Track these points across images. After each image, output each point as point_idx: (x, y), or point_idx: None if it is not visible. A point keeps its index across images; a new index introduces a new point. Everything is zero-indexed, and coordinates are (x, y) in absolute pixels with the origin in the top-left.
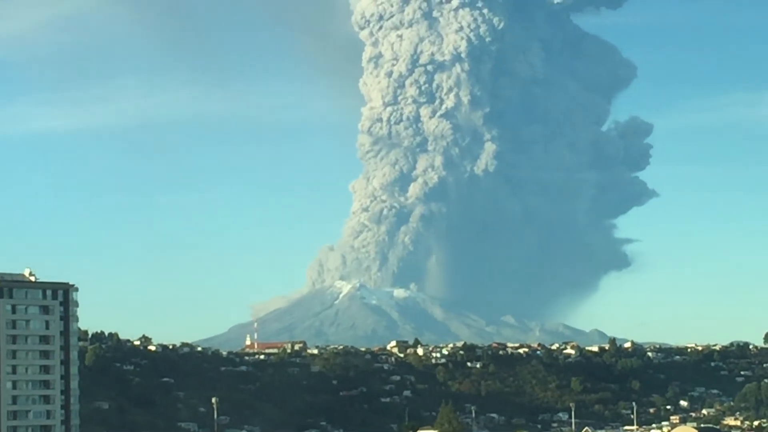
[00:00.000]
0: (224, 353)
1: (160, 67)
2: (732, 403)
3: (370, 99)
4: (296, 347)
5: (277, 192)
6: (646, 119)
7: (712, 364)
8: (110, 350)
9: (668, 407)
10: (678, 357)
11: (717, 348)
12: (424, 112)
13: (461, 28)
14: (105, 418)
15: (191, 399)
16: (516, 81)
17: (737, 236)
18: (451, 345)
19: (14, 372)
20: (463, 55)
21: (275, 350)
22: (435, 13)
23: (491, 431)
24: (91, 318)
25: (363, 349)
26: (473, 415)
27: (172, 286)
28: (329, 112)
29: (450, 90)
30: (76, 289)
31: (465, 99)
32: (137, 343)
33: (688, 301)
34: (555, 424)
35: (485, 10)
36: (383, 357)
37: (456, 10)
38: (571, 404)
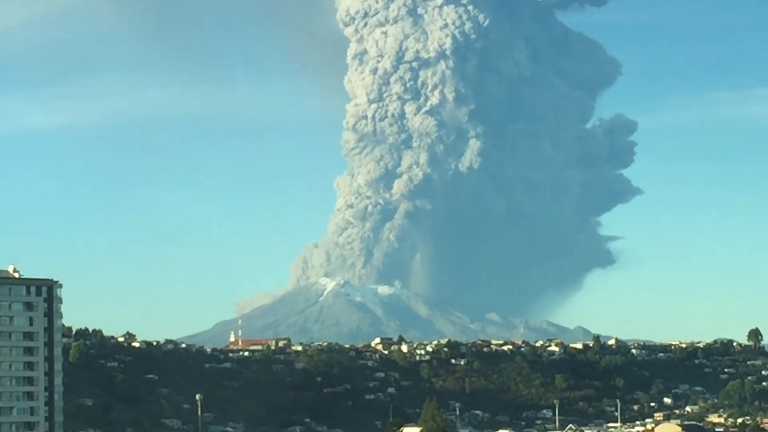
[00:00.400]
0: (208, 350)
1: (146, 63)
2: (716, 401)
3: (355, 96)
4: (280, 344)
5: (262, 189)
6: (630, 117)
7: (696, 361)
8: (94, 347)
9: (652, 404)
10: (662, 354)
11: (701, 345)
12: (409, 108)
13: (446, 25)
14: (89, 415)
15: (175, 396)
16: (501, 78)
17: (721, 234)
18: (435, 342)
19: None
20: (448, 52)
21: (259, 347)
22: (420, 10)
23: (475, 428)
24: (75, 314)
25: (347, 346)
26: (457, 412)
27: (156, 282)
28: (314, 109)
29: (435, 87)
30: (61, 286)
31: (450, 96)
32: (121, 339)
33: (672, 299)
34: (539, 421)
35: (470, 7)
36: (367, 354)
37: (441, 7)
38: (555, 401)
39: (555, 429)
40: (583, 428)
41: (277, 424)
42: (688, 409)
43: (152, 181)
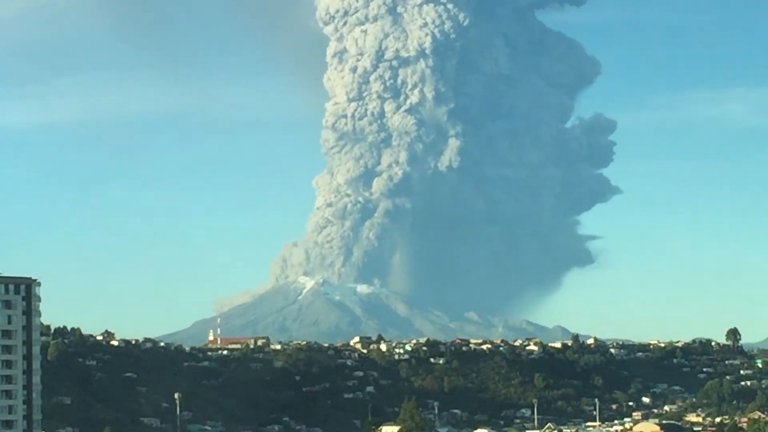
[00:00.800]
0: (187, 348)
1: (125, 61)
2: (694, 400)
3: (335, 94)
4: (259, 343)
5: (241, 187)
6: (609, 116)
7: (675, 360)
8: (73, 345)
9: (630, 404)
10: (641, 354)
11: (679, 345)
12: (389, 107)
13: (426, 24)
14: (67, 413)
15: (154, 394)
16: (480, 77)
17: (700, 233)
18: (414, 341)
19: None
20: (427, 51)
21: (238, 346)
22: (399, 9)
23: (454, 427)
24: (53, 313)
25: (326, 344)
26: (436, 410)
27: (135, 281)
28: (293, 108)
29: (414, 86)
30: (39, 284)
31: (429, 95)
32: (100, 338)
33: (650, 298)
34: (518, 420)
35: (450, 6)
36: (346, 353)
37: (420, 5)
38: (533, 400)
39: (533, 428)
40: (561, 427)
41: (256, 423)
42: (666, 408)
43: (131, 179)
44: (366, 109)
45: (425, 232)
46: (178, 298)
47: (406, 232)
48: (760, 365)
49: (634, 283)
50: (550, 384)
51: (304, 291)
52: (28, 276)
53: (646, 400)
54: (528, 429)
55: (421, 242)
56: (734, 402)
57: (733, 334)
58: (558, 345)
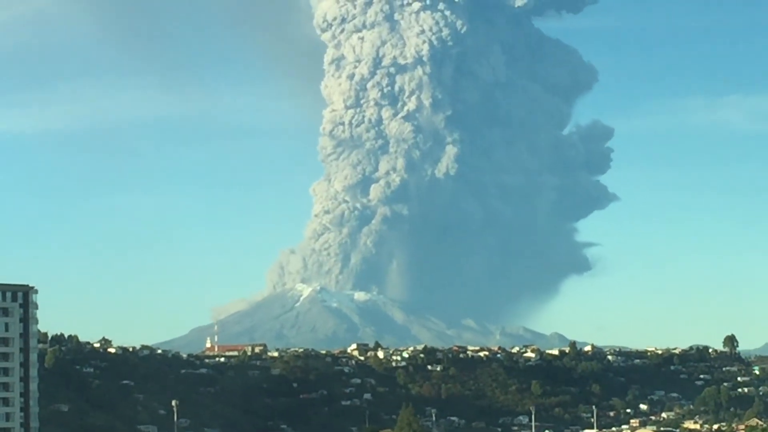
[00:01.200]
0: (184, 356)
1: (121, 68)
2: (692, 407)
3: (332, 101)
4: (257, 350)
5: (238, 194)
6: (607, 123)
7: (672, 367)
8: (70, 352)
9: (628, 411)
10: (638, 360)
11: (677, 352)
12: (386, 114)
13: (423, 31)
14: (64, 421)
15: (151, 402)
16: (477, 84)
17: (697, 240)
18: (411, 348)
19: None
20: (424, 58)
21: (235, 353)
22: (397, 16)
23: None
24: (50, 320)
25: (323, 352)
26: (433, 418)
27: (132, 288)
28: (290, 115)
29: (412, 93)
30: (36, 291)
31: (426, 102)
32: (97, 345)
33: (648, 305)
34: (515, 428)
35: (447, 13)
36: (343, 360)
37: (417, 12)
38: (531, 407)
39: None
40: None
41: (253, 430)
42: (663, 415)
43: (127, 185)
44: (363, 116)
45: (422, 239)
46: (176, 305)
47: (404, 239)
48: (757, 372)
49: (632, 290)
50: (547, 391)
51: (302, 298)
52: (25, 283)
53: (643, 407)
54: None
55: (419, 249)
56: (732, 409)
57: (731, 340)
58: (555, 352)
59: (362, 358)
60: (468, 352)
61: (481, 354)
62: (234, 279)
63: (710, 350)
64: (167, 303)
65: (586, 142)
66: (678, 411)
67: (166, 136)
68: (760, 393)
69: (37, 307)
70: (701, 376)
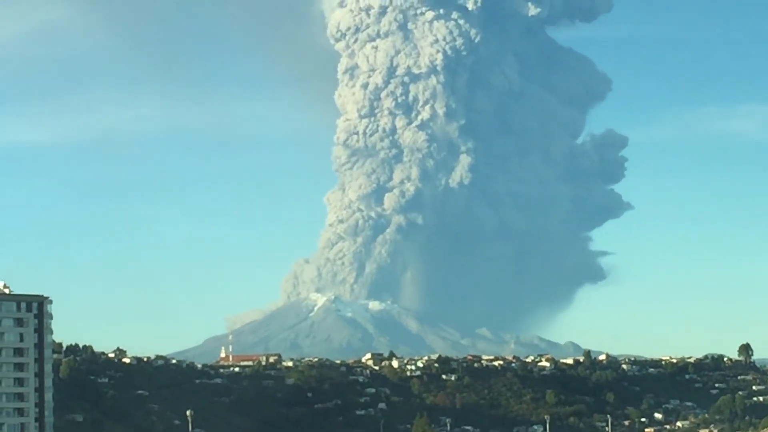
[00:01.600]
0: (199, 366)
1: (135, 78)
2: (706, 416)
3: (346, 111)
4: (271, 360)
5: (252, 204)
6: (621, 132)
7: (687, 376)
8: (84, 363)
9: (643, 420)
10: (653, 369)
11: (691, 360)
12: (400, 123)
13: (437, 41)
14: (79, 431)
15: (166, 411)
16: (491, 93)
17: (711, 249)
18: (426, 357)
19: None
20: (438, 67)
21: (250, 363)
22: (410, 25)
23: None
24: (65, 330)
25: (338, 361)
26: (448, 427)
27: (146, 298)
28: (304, 124)
29: (426, 102)
30: (51, 302)
31: (440, 111)
32: (112, 355)
33: (663, 314)
34: None
35: (461, 22)
36: (358, 369)
37: (431, 22)
38: (545, 417)
39: None
40: None
41: None
42: (678, 424)
43: (142, 196)
44: (377, 126)
45: (437, 248)
46: (190, 315)
47: (418, 249)
48: None
49: (646, 299)
50: (562, 400)
51: (316, 308)
52: (39, 294)
53: (658, 416)
54: None
55: (433, 258)
56: (747, 417)
57: (746, 349)
58: (570, 361)
59: (377, 367)
60: (482, 362)
61: (496, 363)
62: (248, 289)
63: (725, 359)
64: (182, 313)
65: (600, 151)
66: (693, 420)
67: (180, 146)
68: None
69: (51, 318)
70: (716, 385)
